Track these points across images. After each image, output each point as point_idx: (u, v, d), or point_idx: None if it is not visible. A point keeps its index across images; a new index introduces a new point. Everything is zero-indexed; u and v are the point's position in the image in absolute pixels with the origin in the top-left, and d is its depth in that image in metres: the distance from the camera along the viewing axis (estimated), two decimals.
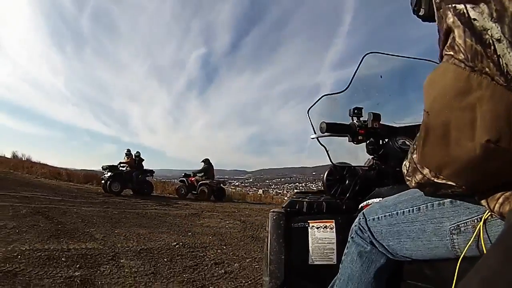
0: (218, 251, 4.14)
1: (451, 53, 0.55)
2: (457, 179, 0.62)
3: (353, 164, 1.41)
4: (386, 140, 1.39)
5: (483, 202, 0.66)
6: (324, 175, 1.42)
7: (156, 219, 6.42)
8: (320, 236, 1.27)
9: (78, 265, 3.18)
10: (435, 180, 0.65)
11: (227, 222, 6.62)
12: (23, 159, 19.23)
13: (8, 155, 19.99)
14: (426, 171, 0.66)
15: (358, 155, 1.45)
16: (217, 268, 3.41)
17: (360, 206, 1.25)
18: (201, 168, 12.84)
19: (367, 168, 1.42)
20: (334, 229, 1.27)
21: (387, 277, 0.97)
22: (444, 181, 0.64)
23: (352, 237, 1.01)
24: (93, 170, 17.10)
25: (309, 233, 1.28)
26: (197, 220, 6.58)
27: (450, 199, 0.77)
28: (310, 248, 1.27)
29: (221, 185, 12.90)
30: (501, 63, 0.50)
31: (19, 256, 3.22)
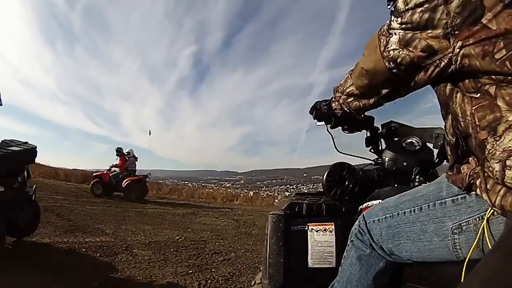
0: (216, 243, 4.73)
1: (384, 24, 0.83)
2: (354, 82, 0.97)
3: (353, 164, 1.41)
4: (396, 139, 1.43)
5: (484, 196, 0.67)
6: (323, 176, 1.40)
7: (157, 217, 6.94)
8: (320, 239, 1.26)
9: (98, 254, 3.71)
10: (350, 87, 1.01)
11: (222, 220, 7.17)
12: None
13: None
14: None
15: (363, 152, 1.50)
16: (216, 256, 4.02)
17: (359, 208, 1.25)
18: None
19: (367, 167, 1.43)
20: (333, 232, 1.26)
21: (387, 280, 0.97)
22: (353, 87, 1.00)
23: (352, 241, 1.01)
24: (85, 170, 17.13)
25: (309, 236, 1.27)
26: (194, 219, 7.12)
27: (451, 198, 0.79)
28: (309, 251, 1.26)
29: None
30: (389, 43, 0.79)
31: (43, 248, 3.71)
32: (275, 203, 15.28)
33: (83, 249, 3.85)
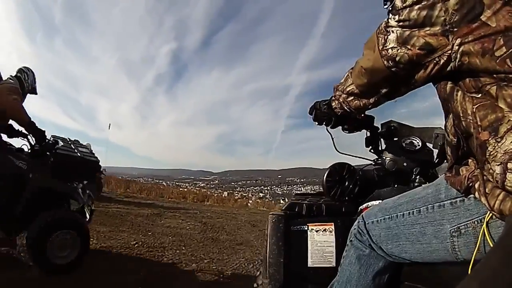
0: (177, 251, 4.21)
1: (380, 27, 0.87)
2: (354, 81, 0.99)
3: (353, 164, 1.43)
4: (396, 139, 1.45)
5: (483, 199, 0.68)
6: (323, 176, 1.41)
7: (118, 217, 6.31)
8: (320, 239, 1.27)
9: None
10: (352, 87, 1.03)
11: (188, 223, 6.64)
12: None
13: None
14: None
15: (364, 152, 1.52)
16: (174, 268, 3.50)
17: (359, 209, 1.27)
18: None
19: (367, 168, 1.46)
20: (333, 232, 1.27)
21: (386, 279, 0.98)
22: (352, 86, 1.02)
23: (351, 241, 1.03)
24: None
25: (309, 236, 1.28)
26: (158, 220, 6.56)
27: (450, 201, 0.80)
28: (309, 251, 1.27)
29: None
30: (387, 41, 0.80)
31: None
32: (249, 204, 14.91)
33: (22, 254, 3.21)
